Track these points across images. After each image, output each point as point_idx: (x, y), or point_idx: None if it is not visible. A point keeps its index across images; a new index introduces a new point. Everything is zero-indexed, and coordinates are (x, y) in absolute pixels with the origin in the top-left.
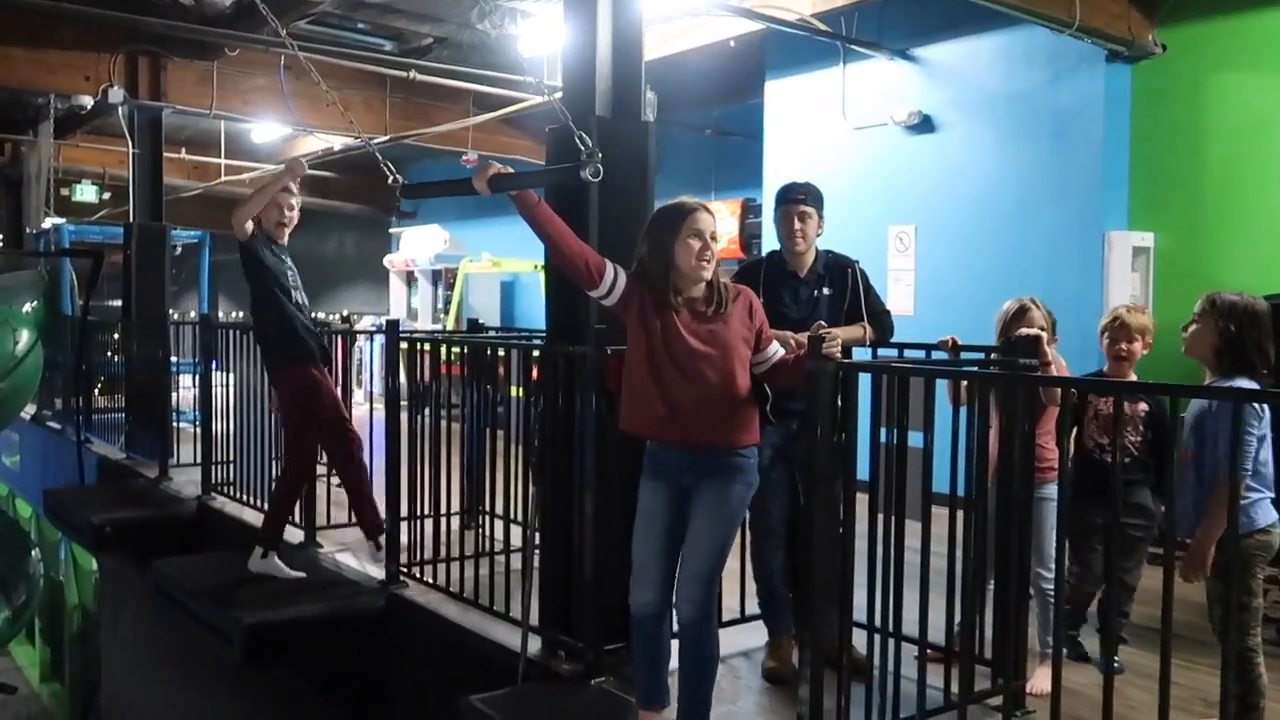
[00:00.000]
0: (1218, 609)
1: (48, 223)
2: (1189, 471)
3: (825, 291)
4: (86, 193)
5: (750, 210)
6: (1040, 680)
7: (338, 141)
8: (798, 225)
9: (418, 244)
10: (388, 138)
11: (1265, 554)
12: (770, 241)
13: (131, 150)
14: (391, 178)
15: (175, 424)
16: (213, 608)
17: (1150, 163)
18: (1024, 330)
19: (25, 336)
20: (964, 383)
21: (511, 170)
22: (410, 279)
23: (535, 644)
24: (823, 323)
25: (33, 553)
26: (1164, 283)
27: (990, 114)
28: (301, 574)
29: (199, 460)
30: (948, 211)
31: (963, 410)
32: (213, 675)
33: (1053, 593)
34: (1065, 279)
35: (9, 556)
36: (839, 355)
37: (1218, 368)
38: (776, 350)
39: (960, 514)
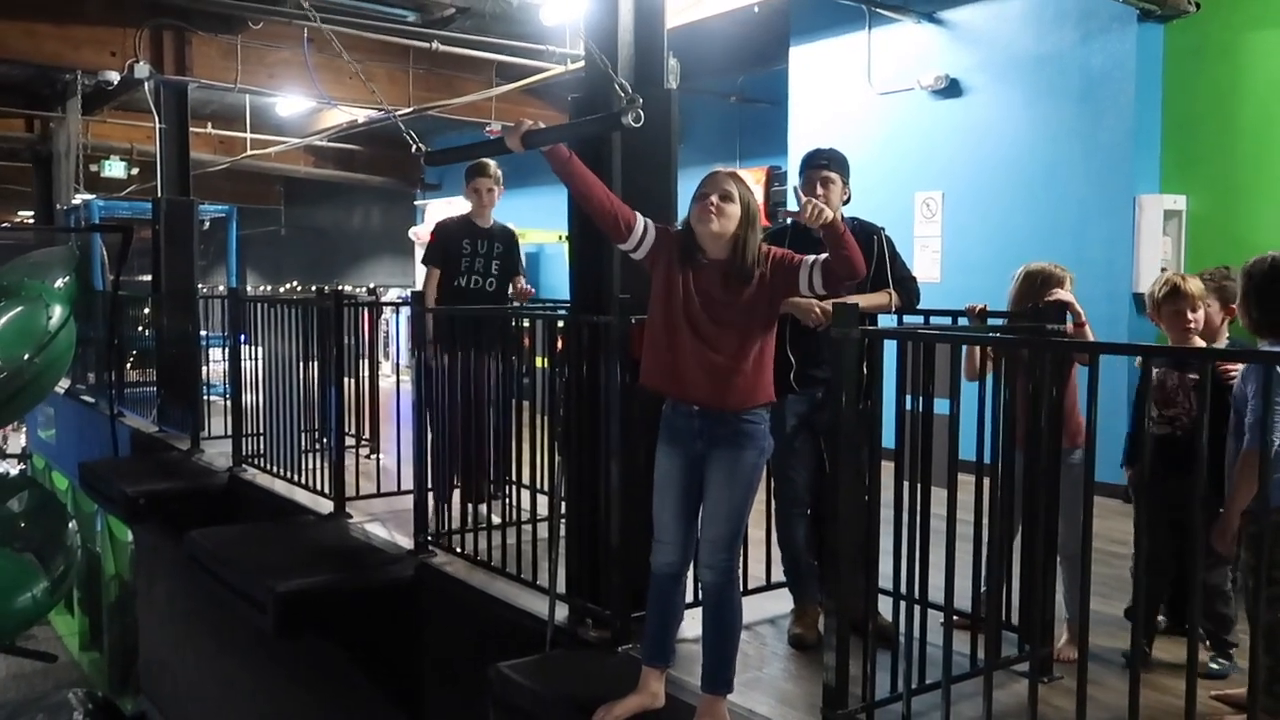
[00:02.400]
0: (1249, 580)
1: (77, 199)
2: (1230, 443)
3: None
4: (115, 168)
5: (775, 178)
6: (1067, 647)
7: (361, 114)
8: (820, 192)
9: (442, 216)
10: (411, 109)
11: None
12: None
13: (158, 125)
14: (415, 146)
15: (206, 397)
16: (246, 576)
17: (1183, 124)
18: (1055, 293)
19: (58, 312)
20: (978, 356)
21: (542, 125)
22: None
23: (562, 612)
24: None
25: (70, 524)
26: (1196, 247)
27: (1019, 76)
28: None
29: (230, 433)
30: (975, 177)
31: (989, 377)
32: (246, 643)
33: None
34: (1094, 244)
35: (47, 528)
36: (827, 216)
37: (1256, 331)
38: (810, 259)
39: (986, 481)
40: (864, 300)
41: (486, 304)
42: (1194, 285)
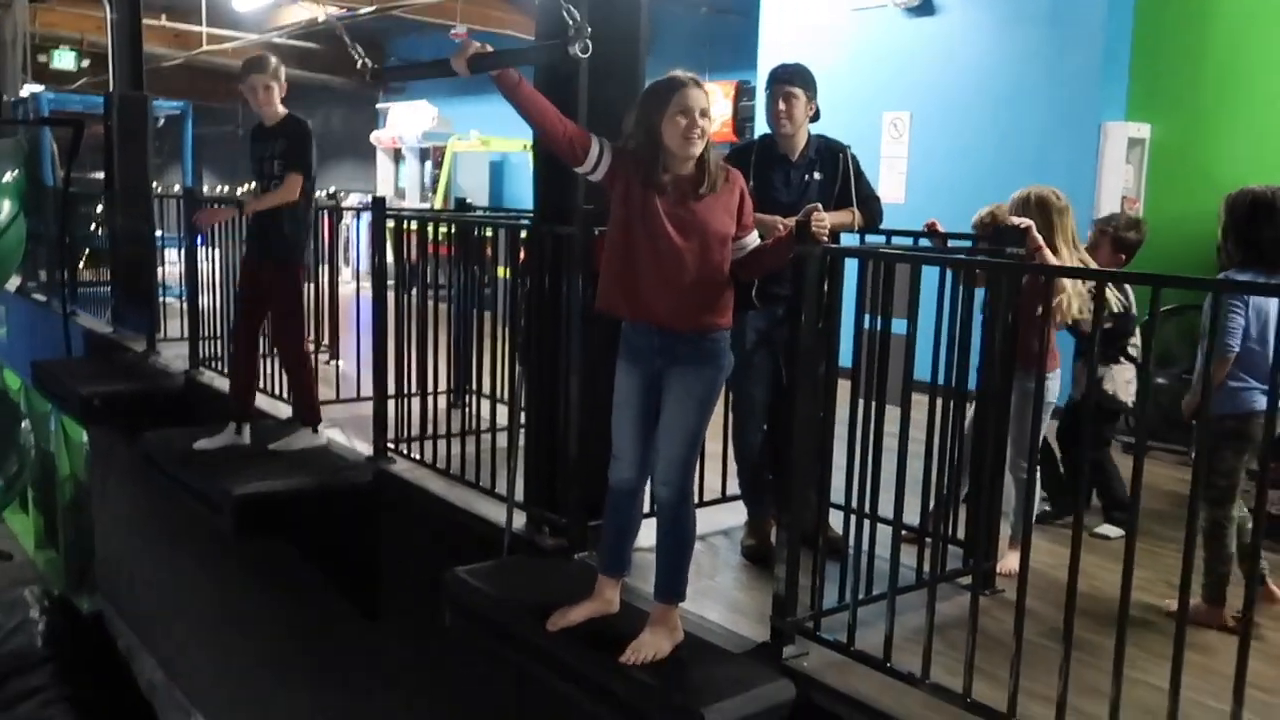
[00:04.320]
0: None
1: (25, 90)
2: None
3: (815, 176)
4: (65, 59)
5: (744, 93)
6: (1010, 561)
7: (322, 12)
8: (782, 107)
9: (405, 121)
10: (373, 8)
11: (1240, 441)
12: (763, 126)
13: (109, 15)
14: (360, 62)
15: (162, 299)
16: (203, 478)
17: (1151, 52)
18: (1013, 219)
19: (6, 206)
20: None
21: (491, 49)
22: (398, 156)
23: (520, 520)
24: (818, 205)
25: (23, 424)
26: (1157, 176)
27: None
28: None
29: (186, 335)
30: (944, 98)
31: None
32: (204, 544)
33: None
34: (1057, 170)
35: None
36: (827, 239)
37: (1227, 264)
38: (753, 241)
39: (940, 401)
40: (829, 218)
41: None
42: (1001, 211)
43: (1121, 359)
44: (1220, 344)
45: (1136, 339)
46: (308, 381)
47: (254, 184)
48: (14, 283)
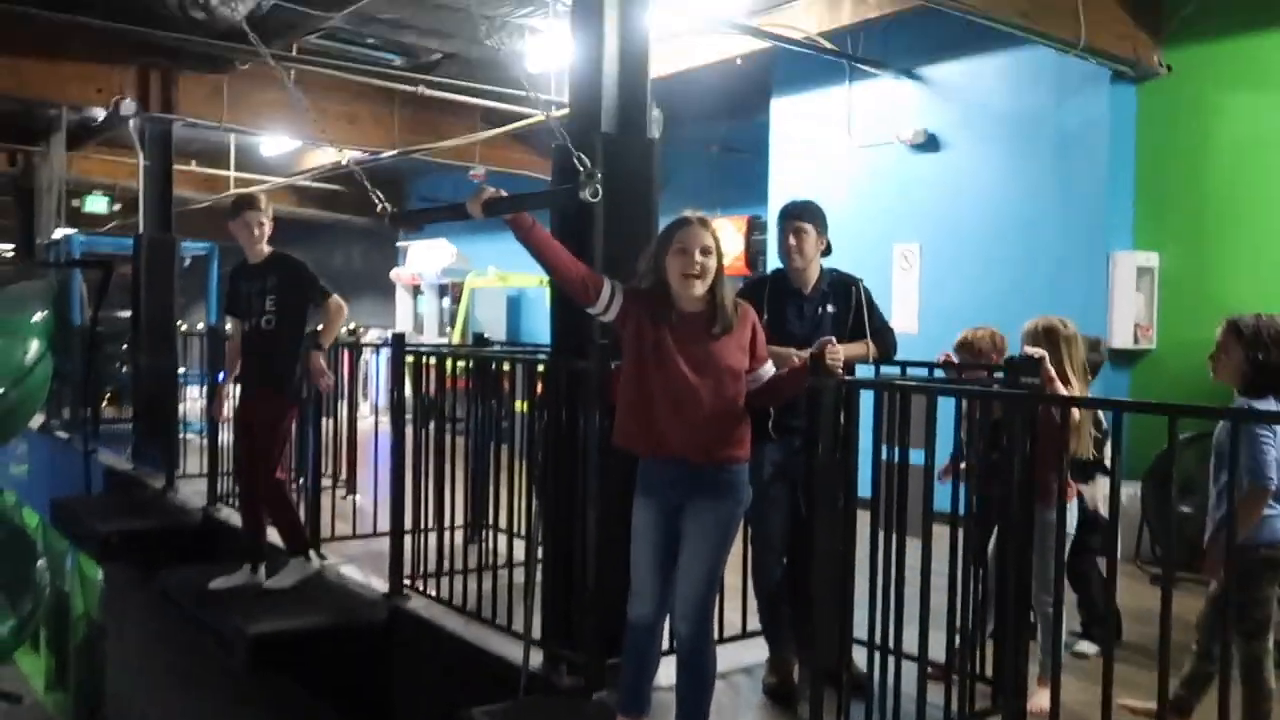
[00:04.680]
0: (1211, 610)
1: (58, 233)
2: (1211, 486)
3: (829, 309)
4: (97, 204)
5: (756, 227)
6: (1040, 699)
7: (344, 157)
8: (793, 241)
9: (425, 258)
10: (395, 151)
11: (1275, 570)
12: (775, 260)
13: (142, 162)
14: (380, 206)
15: (182, 435)
16: (218, 616)
17: (1155, 183)
18: (1027, 349)
19: (35, 346)
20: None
21: (505, 194)
22: (417, 292)
23: (537, 658)
24: (831, 338)
25: (39, 562)
26: (1168, 302)
27: (996, 133)
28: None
29: (205, 471)
30: (953, 230)
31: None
32: (217, 683)
33: (1052, 614)
34: (1069, 298)
35: (15, 565)
36: (841, 372)
37: (1246, 391)
38: (769, 371)
39: (961, 533)
40: (843, 350)
41: (266, 344)
42: (975, 336)
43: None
44: (1259, 477)
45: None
46: (288, 511)
47: (243, 322)
48: (37, 420)
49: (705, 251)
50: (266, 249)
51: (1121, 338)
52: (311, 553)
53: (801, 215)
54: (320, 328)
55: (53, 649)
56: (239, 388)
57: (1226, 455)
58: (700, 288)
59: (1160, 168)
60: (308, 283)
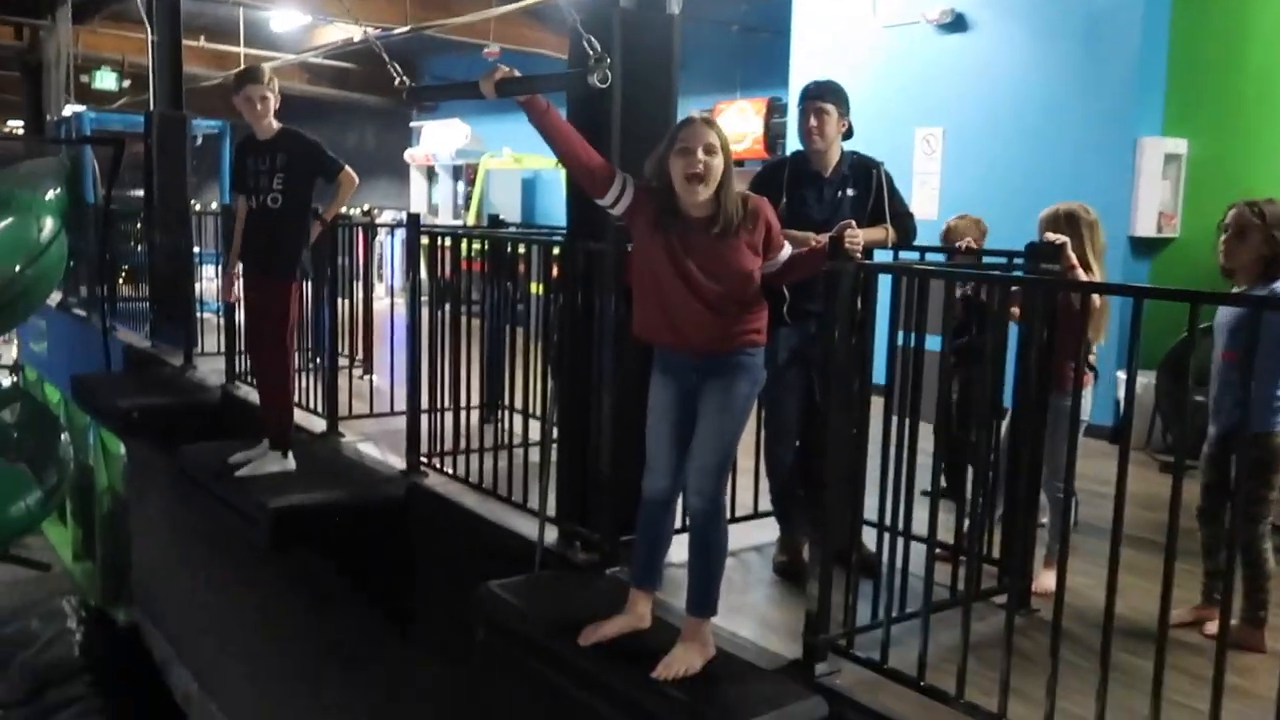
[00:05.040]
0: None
1: (68, 110)
2: (1233, 372)
3: (849, 192)
4: (106, 80)
5: (776, 109)
6: (1045, 580)
7: (357, 32)
8: (814, 123)
9: (439, 139)
10: (408, 28)
11: None
12: (795, 142)
13: (150, 37)
14: (398, 80)
15: (199, 314)
16: (240, 491)
17: (1188, 67)
18: (1049, 235)
19: (50, 224)
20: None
21: (518, 74)
22: (431, 174)
23: (552, 534)
24: (851, 221)
25: (62, 436)
26: (1195, 190)
27: (1025, 13)
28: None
29: (222, 350)
30: (977, 114)
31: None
32: (239, 557)
33: (1063, 500)
34: (1093, 186)
35: (40, 439)
36: (860, 256)
37: (1261, 275)
38: (786, 253)
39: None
40: (862, 235)
41: (270, 223)
42: (960, 224)
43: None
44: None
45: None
46: (285, 404)
47: (249, 199)
48: (55, 298)
49: (709, 150)
50: (275, 125)
51: (1145, 226)
52: (291, 454)
53: (823, 95)
54: (260, 205)
55: (79, 520)
56: (243, 266)
57: (1229, 338)
58: (704, 191)
59: (1194, 52)
60: (319, 160)
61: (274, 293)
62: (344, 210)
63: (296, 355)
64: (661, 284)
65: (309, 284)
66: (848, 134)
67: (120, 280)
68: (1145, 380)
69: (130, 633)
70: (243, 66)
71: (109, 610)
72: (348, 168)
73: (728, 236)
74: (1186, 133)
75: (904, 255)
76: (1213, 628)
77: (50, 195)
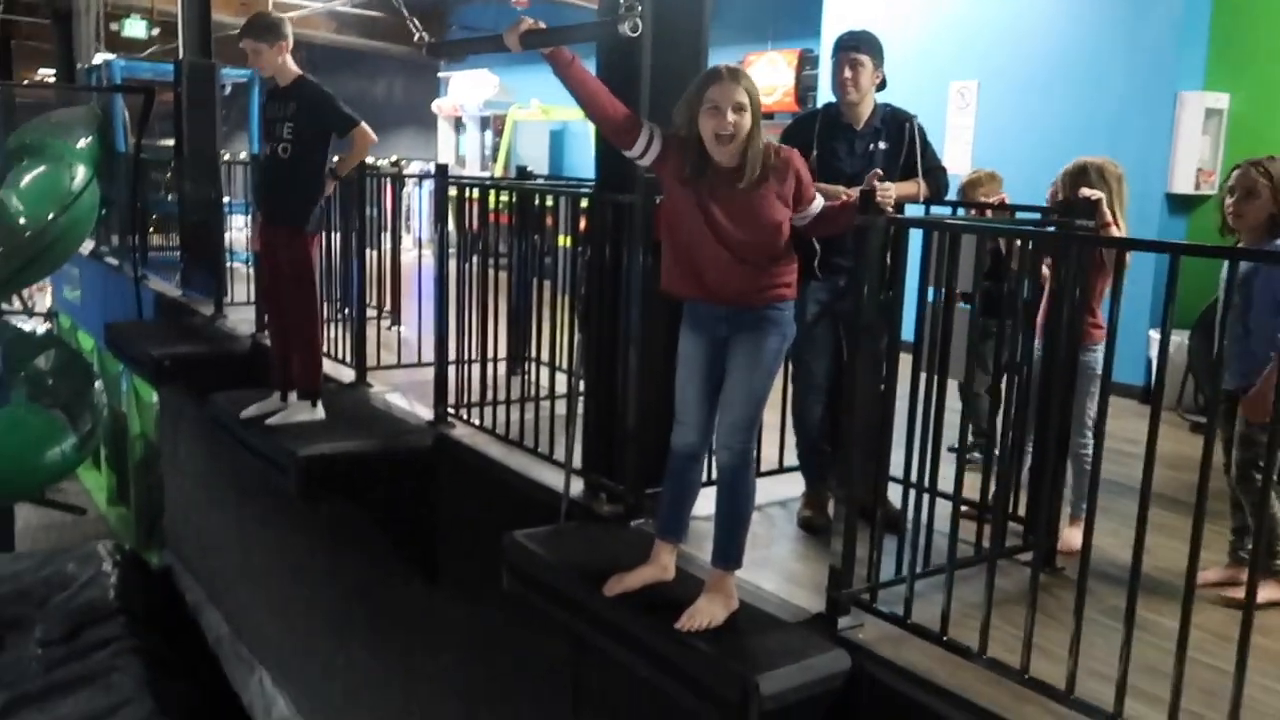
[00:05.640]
0: (1242, 453)
1: (98, 58)
2: (1236, 325)
3: (881, 145)
4: (135, 27)
5: (808, 61)
6: (1071, 538)
7: None
8: (848, 74)
9: (467, 90)
10: None
11: None
12: (826, 95)
13: None
14: (417, 36)
15: (229, 264)
16: (269, 440)
17: (1231, 19)
18: (1084, 191)
19: (81, 172)
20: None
21: (543, 26)
22: (459, 125)
23: (578, 486)
24: (879, 172)
25: (95, 383)
26: (1236, 146)
27: None
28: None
29: (252, 299)
30: (1012, 67)
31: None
32: (268, 504)
33: (1089, 457)
34: (1131, 140)
35: (74, 386)
36: (891, 210)
37: (1268, 233)
38: (818, 205)
39: (1004, 376)
40: (894, 189)
41: (279, 172)
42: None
43: None
44: None
45: None
46: (314, 354)
47: (265, 147)
48: (87, 246)
49: (739, 109)
50: (293, 72)
51: (1182, 182)
52: (320, 404)
53: (858, 46)
54: (273, 154)
55: (113, 466)
56: (259, 214)
57: (1256, 296)
58: (732, 147)
59: (1238, 3)
60: (328, 111)
61: (284, 242)
62: (372, 161)
63: (326, 307)
64: (690, 234)
65: (337, 236)
66: (881, 86)
67: (151, 229)
68: (1178, 339)
69: (163, 576)
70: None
71: (142, 554)
72: (363, 124)
73: (756, 187)
74: (1228, 87)
75: (935, 210)
76: (1233, 592)
77: (82, 143)
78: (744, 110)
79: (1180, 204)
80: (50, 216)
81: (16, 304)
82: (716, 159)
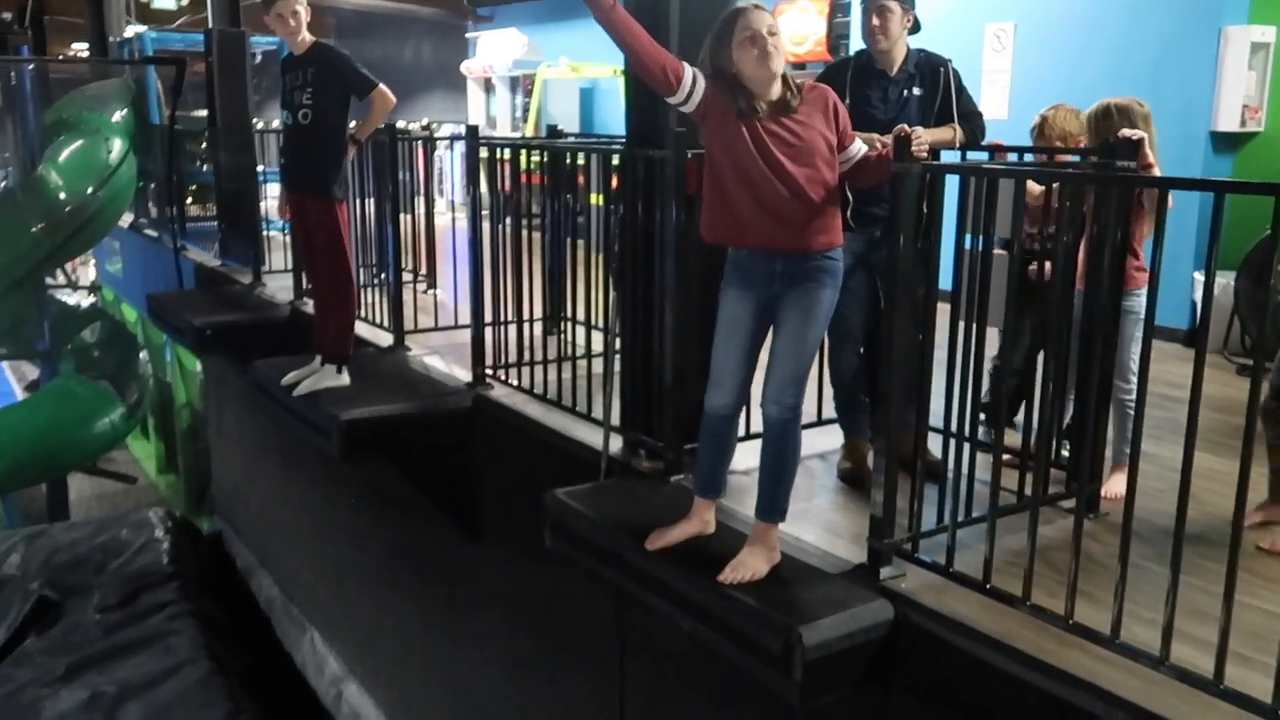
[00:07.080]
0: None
1: (130, 31)
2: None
3: (915, 91)
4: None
5: (839, 9)
6: (1114, 485)
7: None
8: (877, 21)
9: (495, 50)
10: None
11: None
12: (859, 44)
13: None
14: None
15: (265, 232)
16: (311, 404)
17: None
18: (1125, 131)
19: (118, 145)
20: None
21: None
22: (488, 86)
23: (616, 444)
24: (905, 126)
25: (141, 354)
26: None
27: None
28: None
29: (289, 267)
30: (1050, 6)
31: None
32: (312, 466)
33: (1131, 403)
34: (1172, 79)
35: (120, 357)
36: (926, 157)
37: None
38: (860, 148)
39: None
40: (928, 135)
41: (302, 139)
42: (1058, 117)
43: None
44: None
45: None
46: (345, 320)
47: (285, 115)
48: (126, 219)
49: (772, 32)
50: (308, 38)
51: (1228, 120)
52: (345, 370)
53: None
54: (294, 122)
55: (161, 435)
56: (285, 184)
57: None
58: (777, 65)
59: None
60: (348, 74)
61: (312, 209)
62: (403, 125)
63: (362, 273)
64: (748, 174)
65: (371, 201)
66: (915, 29)
67: (188, 200)
68: (1224, 281)
69: (214, 541)
70: None
71: (193, 520)
72: (382, 86)
73: (807, 118)
74: (1275, 20)
75: (972, 155)
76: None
77: (117, 117)
78: (776, 34)
79: (1225, 142)
80: (90, 190)
81: (61, 278)
82: (758, 93)
